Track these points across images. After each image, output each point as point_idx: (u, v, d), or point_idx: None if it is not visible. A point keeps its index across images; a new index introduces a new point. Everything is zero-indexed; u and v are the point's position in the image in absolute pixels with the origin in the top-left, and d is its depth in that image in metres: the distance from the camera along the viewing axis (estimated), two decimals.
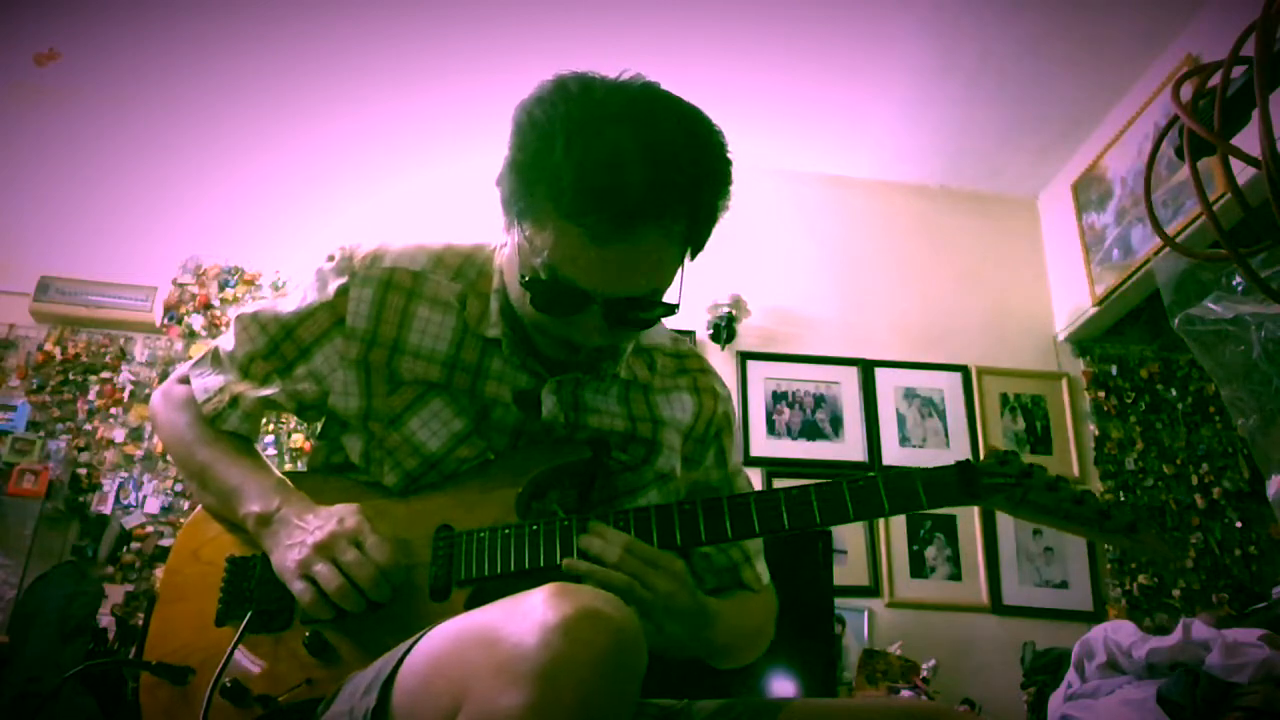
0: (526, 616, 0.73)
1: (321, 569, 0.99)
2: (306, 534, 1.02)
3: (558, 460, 1.11)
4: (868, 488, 1.01)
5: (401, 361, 1.12)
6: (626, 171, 0.91)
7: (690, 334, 3.56)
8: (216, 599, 1.07)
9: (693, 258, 1.06)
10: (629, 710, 0.73)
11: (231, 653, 0.99)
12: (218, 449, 1.16)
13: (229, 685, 0.97)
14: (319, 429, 1.26)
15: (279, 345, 1.18)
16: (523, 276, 1.00)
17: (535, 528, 1.03)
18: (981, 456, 1.06)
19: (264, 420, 1.24)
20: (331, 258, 1.18)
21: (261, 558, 1.07)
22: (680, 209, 0.97)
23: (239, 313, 1.23)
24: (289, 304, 1.19)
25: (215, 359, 1.23)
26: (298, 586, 1.00)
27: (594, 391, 1.16)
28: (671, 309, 1.03)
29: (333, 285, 1.15)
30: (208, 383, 1.20)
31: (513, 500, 1.07)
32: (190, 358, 3.23)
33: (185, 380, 1.25)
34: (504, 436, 1.13)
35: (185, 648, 1.04)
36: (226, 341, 1.22)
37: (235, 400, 1.17)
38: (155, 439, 3.13)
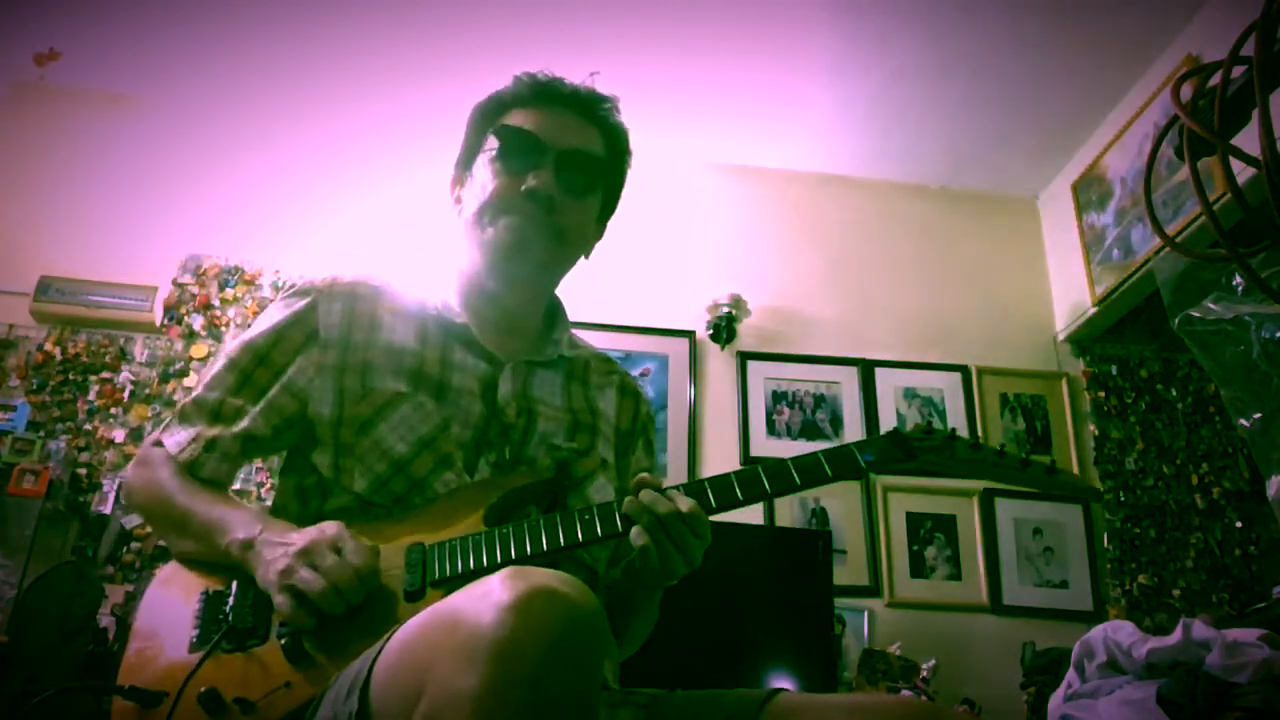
0: (484, 598, 0.74)
1: (304, 574, 1.00)
2: (290, 546, 1.03)
3: (523, 482, 1.17)
4: (811, 459, 1.12)
5: (374, 362, 1.18)
6: (561, 84, 1.29)
7: (690, 334, 3.57)
8: (191, 629, 1.07)
9: (608, 209, 1.38)
10: (589, 688, 0.74)
11: (204, 659, 0.99)
12: (197, 497, 1.17)
13: (203, 696, 0.96)
14: (282, 466, 1.28)
15: (251, 375, 1.21)
16: (497, 142, 1.26)
17: (505, 530, 1.07)
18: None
19: (247, 457, 1.25)
20: (291, 287, 1.27)
21: (237, 588, 1.08)
22: (599, 121, 1.30)
23: (207, 367, 1.27)
24: (256, 330, 1.23)
25: (183, 415, 1.24)
26: (279, 599, 1.01)
27: (540, 380, 1.28)
28: (602, 160, 1.31)
29: (300, 304, 1.22)
30: (179, 438, 1.21)
31: (481, 515, 1.11)
32: (190, 358, 3.27)
33: (158, 444, 1.25)
34: (465, 445, 1.18)
35: (157, 674, 1.04)
36: (195, 393, 1.24)
37: (211, 444, 1.19)
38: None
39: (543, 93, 1.27)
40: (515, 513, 1.15)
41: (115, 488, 3.10)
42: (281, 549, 1.04)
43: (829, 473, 1.11)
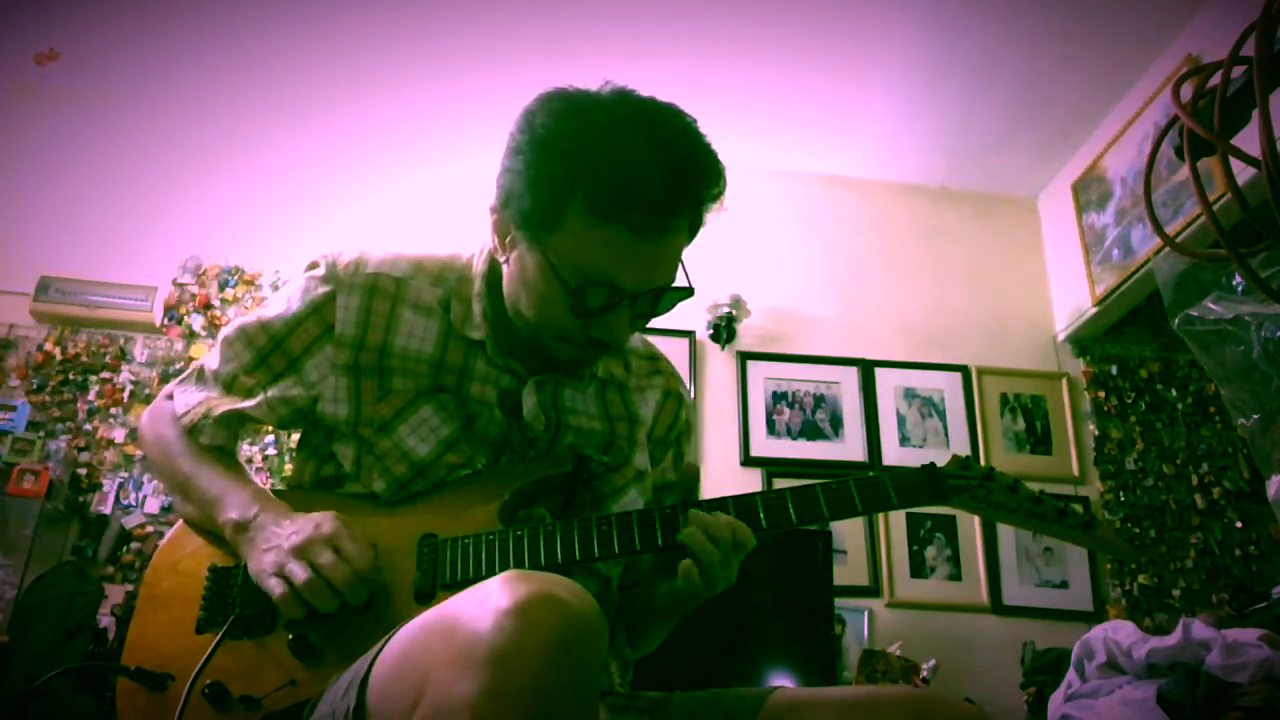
0: (482, 603, 0.73)
1: (294, 567, 0.99)
2: (282, 538, 1.02)
3: (539, 473, 1.14)
4: (840, 490, 1.07)
5: (390, 364, 1.14)
6: (650, 174, 1.00)
7: (690, 334, 3.57)
8: (197, 608, 1.06)
9: (688, 243, 1.13)
10: (587, 694, 0.73)
11: (211, 654, 0.98)
12: (200, 461, 1.17)
13: (209, 688, 0.96)
14: (297, 441, 1.26)
15: (267, 358, 1.18)
16: (565, 284, 1.04)
17: (520, 533, 1.05)
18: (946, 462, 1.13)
19: (241, 433, 1.25)
20: (314, 265, 1.20)
21: (243, 566, 1.07)
22: (691, 203, 1.06)
23: (223, 333, 1.23)
24: (274, 312, 1.19)
25: (199, 376, 1.24)
26: (271, 583, 1.00)
27: (572, 391, 1.21)
28: (689, 291, 1.11)
29: (319, 293, 1.17)
30: (189, 398, 1.22)
31: (495, 510, 1.08)
32: (190, 358, 3.27)
33: (171, 397, 1.26)
34: (487, 448, 1.15)
35: (163, 655, 1.03)
36: (211, 360, 1.23)
37: (210, 412, 1.19)
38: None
39: (631, 208, 1.00)
40: (533, 502, 1.14)
41: (115, 488, 3.11)
42: (275, 540, 1.03)
43: (860, 508, 1.07)
